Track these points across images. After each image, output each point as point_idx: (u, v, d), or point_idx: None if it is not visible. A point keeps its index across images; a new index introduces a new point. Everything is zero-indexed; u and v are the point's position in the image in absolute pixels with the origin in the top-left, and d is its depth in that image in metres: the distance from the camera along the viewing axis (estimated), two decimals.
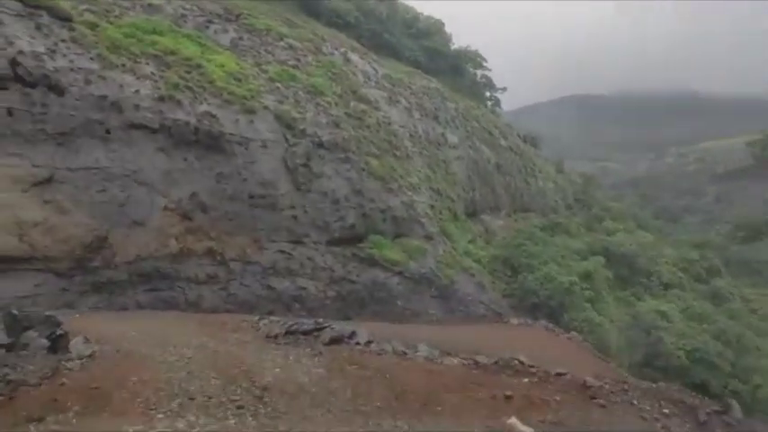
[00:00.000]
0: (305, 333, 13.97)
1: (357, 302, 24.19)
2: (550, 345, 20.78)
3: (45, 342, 10.30)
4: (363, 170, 27.22)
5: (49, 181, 18.45)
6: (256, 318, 16.97)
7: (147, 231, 20.05)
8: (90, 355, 10.49)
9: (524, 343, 19.87)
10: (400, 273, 25.72)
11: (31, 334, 10.33)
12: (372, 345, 13.51)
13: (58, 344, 10.45)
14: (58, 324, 10.90)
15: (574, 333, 25.20)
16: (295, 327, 14.28)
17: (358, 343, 13.57)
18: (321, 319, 15.66)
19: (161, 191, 20.89)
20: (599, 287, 31.49)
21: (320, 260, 24.04)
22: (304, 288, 23.09)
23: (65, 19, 21.82)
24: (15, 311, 10.89)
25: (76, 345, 10.85)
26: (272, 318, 17.46)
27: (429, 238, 28.25)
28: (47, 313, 11.54)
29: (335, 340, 13.51)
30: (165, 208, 20.79)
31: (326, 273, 23.95)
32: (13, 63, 19.29)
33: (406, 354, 13.38)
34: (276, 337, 13.92)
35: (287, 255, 23.30)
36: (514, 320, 26.45)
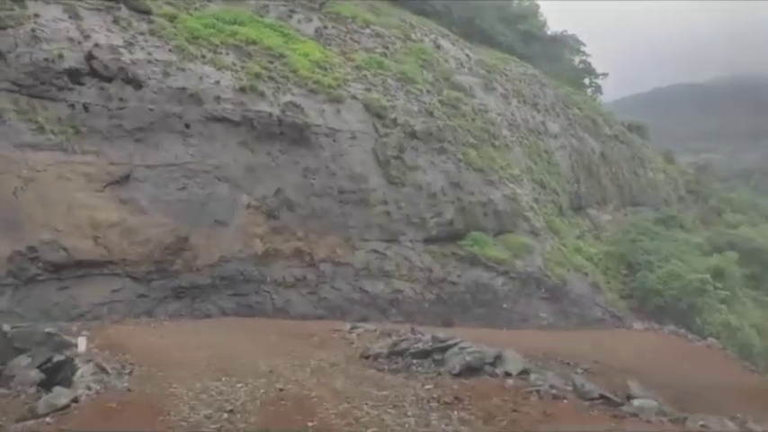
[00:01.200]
0: (419, 355, 10.26)
1: (459, 306, 21.63)
2: (693, 356, 17.40)
3: (36, 375, 7.92)
4: (461, 161, 24.66)
5: (126, 179, 17.03)
6: (348, 327, 14.74)
7: (231, 231, 18.31)
8: (95, 393, 7.65)
9: (660, 354, 16.71)
10: (505, 272, 22.94)
11: (22, 360, 7.95)
12: (531, 377, 9.18)
13: (55, 375, 7.89)
14: (61, 346, 8.23)
15: (712, 340, 21.56)
16: (403, 343, 10.91)
17: (508, 374, 9.19)
18: (428, 333, 13.06)
19: (244, 187, 19.15)
20: (733, 286, 27.42)
21: (417, 260, 21.65)
22: (400, 291, 20.76)
23: (143, 12, 20.60)
24: (6, 328, 8.60)
25: (83, 376, 8.12)
26: (367, 326, 15.19)
27: (535, 233, 25.29)
28: (47, 330, 8.98)
29: (472, 370, 9.34)
30: (249, 206, 19.02)
31: (424, 274, 21.53)
32: (89, 57, 18.10)
33: (593, 397, 8.32)
34: (377, 358, 10.72)
35: (381, 255, 21.05)
36: (638, 325, 23.12)
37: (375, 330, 13.60)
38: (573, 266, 25.50)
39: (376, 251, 21.03)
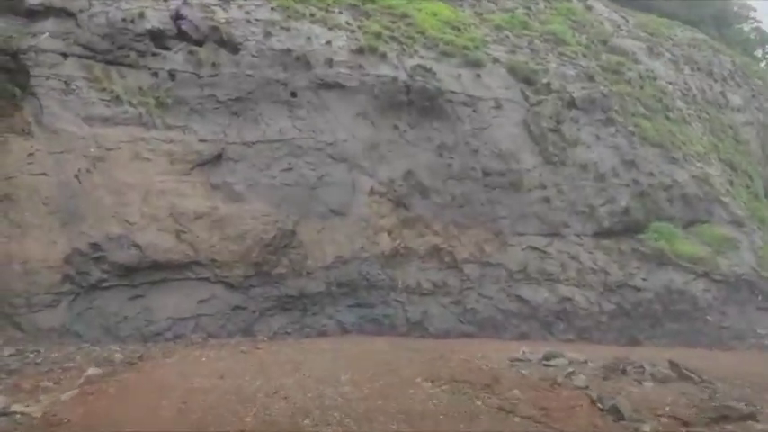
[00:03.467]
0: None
1: (646, 318, 16.07)
2: None
3: None
4: (633, 134, 19.07)
5: (218, 159, 13.24)
6: (523, 351, 9.91)
7: (350, 224, 14.05)
8: None
9: None
10: (705, 274, 17.05)
11: None
12: None
13: None
14: None
15: None
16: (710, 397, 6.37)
17: None
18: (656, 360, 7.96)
19: (365, 169, 14.86)
20: None
21: (587, 259, 16.36)
22: (568, 299, 15.56)
23: None
24: None
25: None
26: (530, 353, 10.26)
27: (738, 223, 19.09)
28: None
29: None
30: (372, 192, 14.69)
31: (598, 276, 16.18)
32: (176, 17, 14.59)
33: None
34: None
35: (540, 252, 15.99)
36: None
37: (585, 362, 8.63)
38: None
39: (534, 248, 15.99)
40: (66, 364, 8.24)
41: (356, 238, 13.90)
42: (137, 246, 11.36)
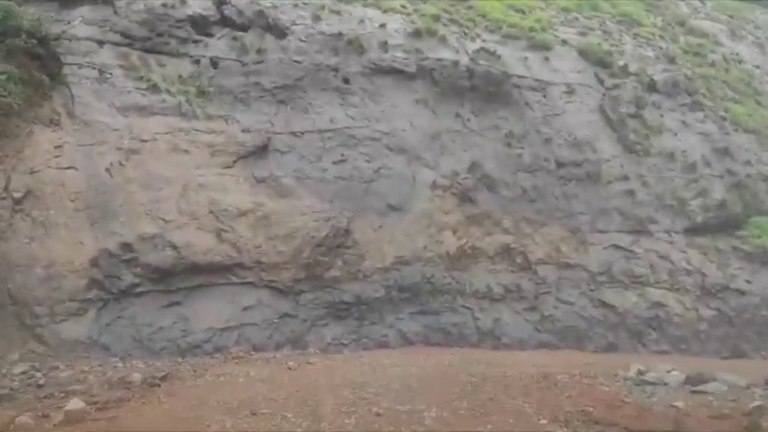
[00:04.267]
0: None
1: (753, 326, 13.85)
2: None
3: None
4: (724, 120, 16.84)
5: (263, 151, 11.81)
6: (636, 370, 7.97)
7: (410, 220, 12.39)
8: None
9: None
10: None
11: None
12: None
13: None
14: None
15: None
16: None
17: None
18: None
19: (426, 160, 13.20)
20: None
21: (680, 258, 14.23)
22: (661, 305, 13.47)
23: None
24: None
25: None
26: (647, 371, 8.30)
27: None
28: None
29: None
30: (435, 185, 13.00)
31: (694, 279, 14.03)
32: (220, 2, 13.36)
33: None
34: None
35: (626, 252, 13.96)
36: None
37: (747, 387, 6.59)
38: None
39: (618, 247, 13.98)
40: (72, 387, 6.78)
41: (418, 237, 12.21)
42: (173, 246, 9.97)
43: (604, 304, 13.23)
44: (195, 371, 7.59)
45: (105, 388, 6.75)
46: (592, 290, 13.36)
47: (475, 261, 12.88)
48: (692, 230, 14.77)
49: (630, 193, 14.64)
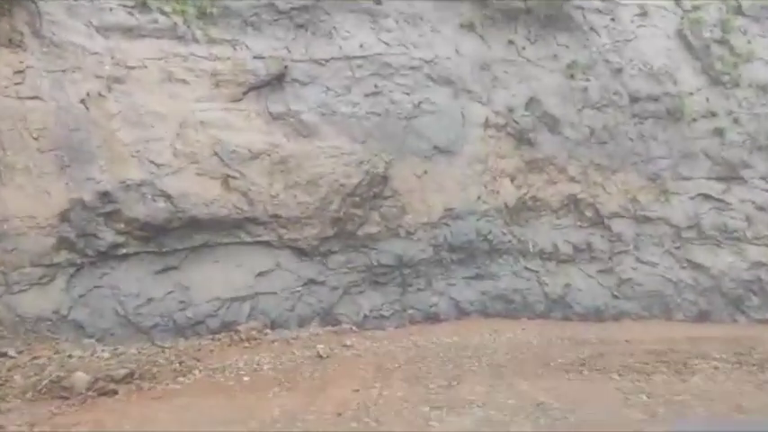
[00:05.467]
0: None
1: None
2: None
3: None
4: None
5: (279, 81, 9.44)
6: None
7: (461, 165, 10.01)
8: None
9: None
10: None
11: None
12: None
13: None
14: None
15: None
16: None
17: None
18: None
19: (476, 94, 10.75)
20: None
21: None
22: (762, 264, 11.02)
23: None
24: None
25: None
26: None
27: None
28: None
29: None
30: (488, 123, 10.57)
31: None
32: None
33: None
34: None
35: (716, 202, 11.47)
36: None
37: None
38: None
39: (707, 196, 11.49)
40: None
41: (471, 186, 9.85)
42: (167, 196, 7.74)
43: (693, 265, 10.84)
44: (181, 362, 5.38)
45: (44, 394, 4.54)
46: (677, 248, 10.95)
47: (537, 215, 10.54)
48: None
49: (719, 132, 12.05)
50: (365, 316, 8.34)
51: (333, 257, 8.59)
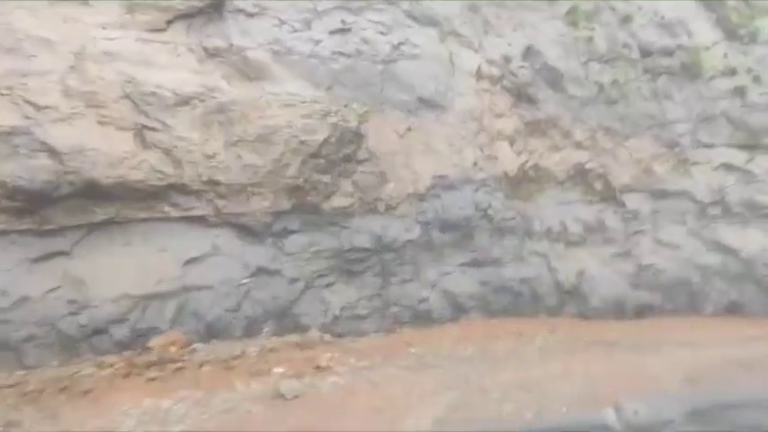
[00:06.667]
0: None
1: None
2: None
3: None
4: None
5: (217, 8, 7.14)
6: None
7: (449, 122, 7.92)
8: None
9: None
10: None
11: None
12: None
13: None
14: None
15: None
16: None
17: None
18: None
19: (466, 39, 8.68)
20: None
21: None
22: None
23: None
24: None
25: None
26: None
27: None
28: None
29: None
30: (480, 74, 8.51)
31: None
32: None
33: None
34: None
35: (741, 173, 9.76)
36: None
37: None
38: None
39: (730, 167, 9.75)
40: None
41: (465, 147, 7.78)
42: (50, 151, 5.40)
43: (721, 247, 9.06)
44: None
45: None
46: (703, 227, 9.17)
47: (539, 186, 8.58)
48: None
49: (740, 91, 10.31)
50: (335, 317, 6.18)
51: (291, 239, 6.39)
